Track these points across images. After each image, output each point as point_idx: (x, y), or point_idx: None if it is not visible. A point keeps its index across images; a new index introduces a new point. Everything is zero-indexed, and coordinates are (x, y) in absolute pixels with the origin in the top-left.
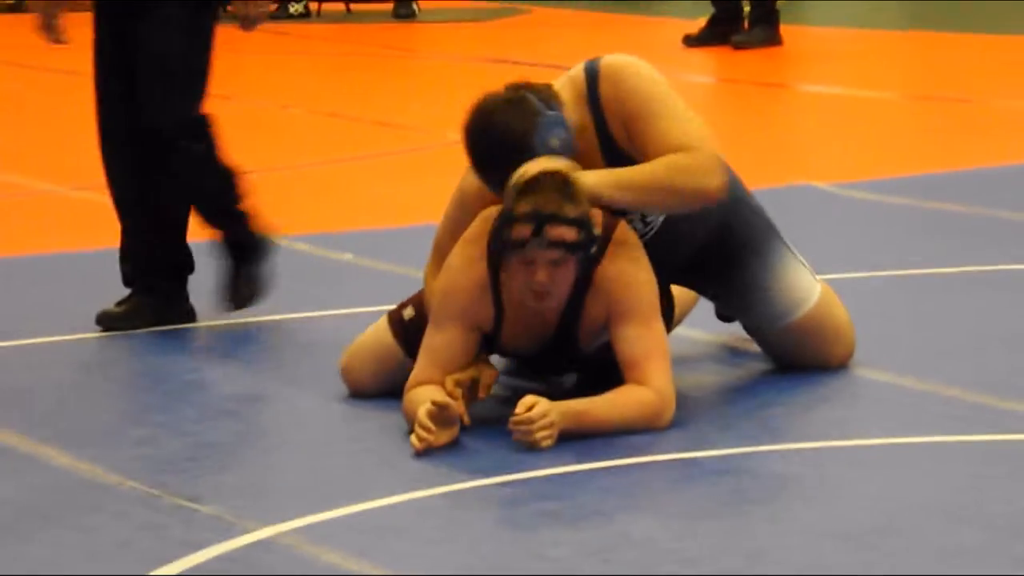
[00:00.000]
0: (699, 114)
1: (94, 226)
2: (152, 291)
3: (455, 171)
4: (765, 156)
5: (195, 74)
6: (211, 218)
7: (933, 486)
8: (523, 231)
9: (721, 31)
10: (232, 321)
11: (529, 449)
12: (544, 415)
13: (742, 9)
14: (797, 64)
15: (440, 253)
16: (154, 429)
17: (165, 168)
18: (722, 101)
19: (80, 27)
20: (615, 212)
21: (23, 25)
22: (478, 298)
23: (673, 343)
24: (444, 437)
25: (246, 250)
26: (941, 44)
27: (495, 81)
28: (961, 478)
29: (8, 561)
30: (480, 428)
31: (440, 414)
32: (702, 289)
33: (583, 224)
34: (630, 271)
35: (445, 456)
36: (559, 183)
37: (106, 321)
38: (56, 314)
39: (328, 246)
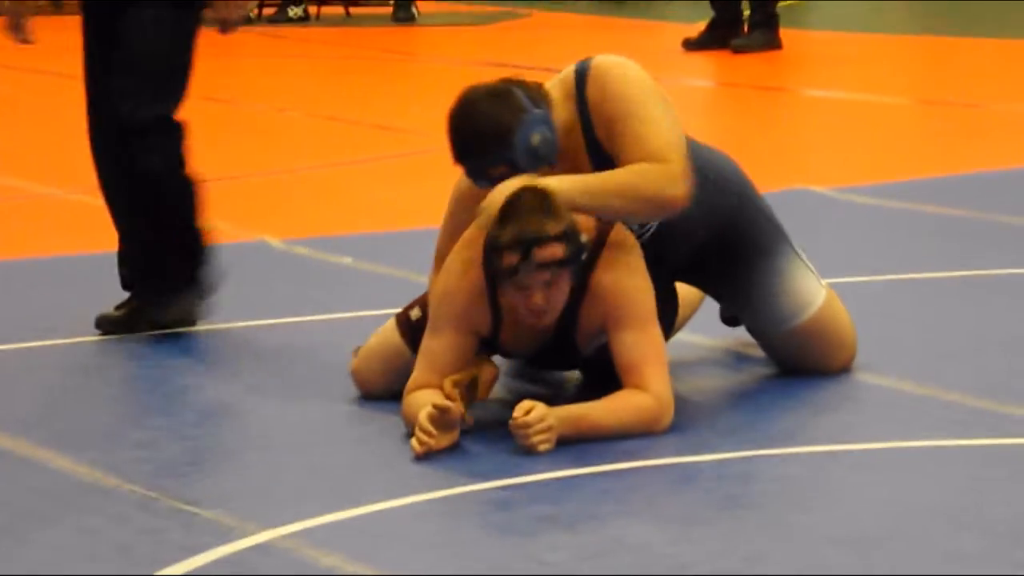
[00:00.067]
0: (686, 119)
1: (92, 229)
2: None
3: (454, 175)
4: (765, 160)
5: (173, 73)
6: (164, 224)
7: (933, 490)
8: (511, 259)
9: (721, 35)
10: (232, 325)
11: (527, 453)
12: (542, 419)
13: (742, 13)
14: (797, 68)
15: (442, 259)
16: (153, 432)
17: (132, 164)
18: (721, 105)
19: (72, 30)
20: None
21: None
22: (475, 303)
23: (676, 348)
24: (444, 441)
25: (187, 264)
26: (943, 48)
27: None
28: (961, 482)
29: (6, 563)
30: (479, 432)
31: (441, 418)
32: (707, 288)
33: (569, 237)
34: (625, 278)
35: (444, 460)
36: (538, 200)
37: (105, 325)
38: (55, 317)
39: (327, 250)
